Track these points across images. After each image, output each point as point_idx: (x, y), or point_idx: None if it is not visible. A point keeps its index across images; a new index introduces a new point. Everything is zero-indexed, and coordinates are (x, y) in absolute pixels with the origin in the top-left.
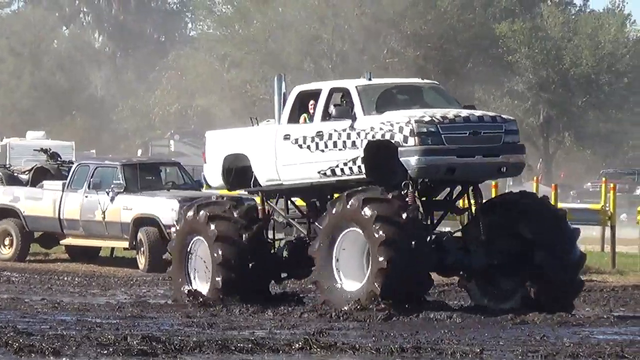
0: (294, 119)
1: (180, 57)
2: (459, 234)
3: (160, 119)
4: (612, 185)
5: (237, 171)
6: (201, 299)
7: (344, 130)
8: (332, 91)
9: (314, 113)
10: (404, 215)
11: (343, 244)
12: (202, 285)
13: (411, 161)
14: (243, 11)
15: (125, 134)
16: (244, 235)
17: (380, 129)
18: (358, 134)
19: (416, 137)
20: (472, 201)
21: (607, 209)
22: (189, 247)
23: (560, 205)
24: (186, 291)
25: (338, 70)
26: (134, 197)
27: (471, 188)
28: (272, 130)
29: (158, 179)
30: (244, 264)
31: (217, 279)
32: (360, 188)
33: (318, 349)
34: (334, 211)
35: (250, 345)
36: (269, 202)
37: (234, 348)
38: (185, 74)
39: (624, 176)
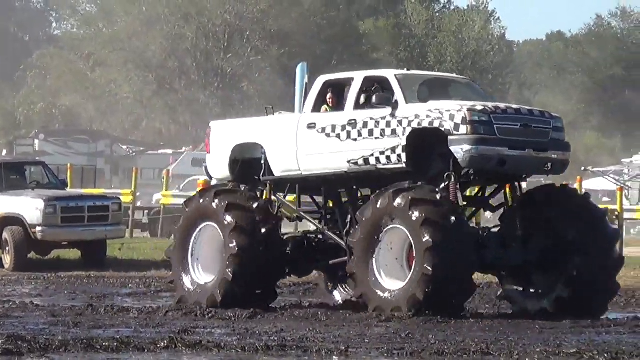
0: (318, 108)
1: (44, 57)
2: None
3: (25, 118)
4: None
5: (244, 162)
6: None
7: (383, 118)
8: (366, 80)
9: (333, 104)
10: (452, 219)
11: (384, 239)
12: (204, 276)
13: (462, 150)
14: (107, 10)
15: None
16: (262, 229)
17: (427, 116)
18: (400, 122)
19: (468, 126)
20: (509, 196)
21: None
22: (196, 232)
23: None
24: (192, 286)
25: (202, 67)
26: None
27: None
28: (293, 119)
29: (23, 178)
30: (257, 258)
31: (227, 270)
32: (407, 184)
33: (183, 348)
34: (379, 205)
35: (115, 344)
36: (277, 195)
37: (99, 347)
38: (49, 73)
39: None
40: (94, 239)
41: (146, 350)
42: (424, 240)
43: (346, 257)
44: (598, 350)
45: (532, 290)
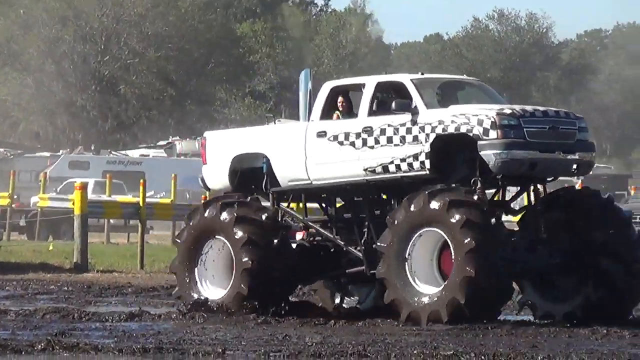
0: (326, 115)
1: None
2: None
3: None
4: None
5: (243, 172)
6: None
7: (403, 124)
8: (379, 86)
9: (344, 109)
10: (493, 220)
11: (417, 244)
12: (215, 291)
13: (493, 155)
14: None
15: None
16: (274, 241)
17: (453, 122)
18: (422, 128)
19: (498, 130)
20: (533, 198)
21: None
22: (203, 247)
23: None
24: (195, 298)
25: (80, 70)
26: None
27: (532, 187)
28: (300, 128)
29: None
30: (271, 271)
31: (242, 285)
32: (439, 186)
33: (61, 350)
34: (412, 208)
35: None
36: (281, 205)
37: None
38: None
39: None
40: None
41: (23, 353)
42: (465, 242)
43: (362, 267)
44: (475, 352)
45: (555, 295)
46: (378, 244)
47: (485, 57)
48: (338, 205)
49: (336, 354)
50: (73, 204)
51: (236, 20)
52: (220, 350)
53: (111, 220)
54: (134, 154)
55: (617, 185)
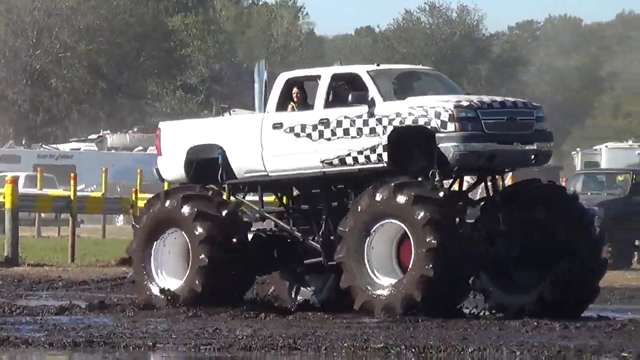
0: (282, 107)
1: None
2: None
3: None
4: None
5: (199, 163)
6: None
7: (359, 117)
8: (335, 77)
9: (298, 101)
10: (457, 220)
11: (378, 233)
12: (170, 281)
13: (451, 148)
14: None
15: None
16: (232, 239)
17: (410, 114)
18: (379, 120)
19: (456, 123)
20: (491, 190)
21: None
22: (161, 235)
23: None
24: (158, 291)
25: (11, 65)
26: None
27: (489, 177)
28: (255, 119)
29: None
30: (227, 269)
31: (196, 282)
32: (406, 179)
33: None
34: (377, 197)
35: None
36: (236, 196)
37: None
38: None
39: None
40: None
41: None
42: (427, 240)
43: (320, 258)
44: (405, 345)
45: (511, 288)
46: (339, 228)
47: (417, 50)
48: (295, 195)
49: (266, 347)
50: (4, 197)
51: (167, 13)
52: (151, 343)
53: (42, 214)
54: (65, 147)
55: (550, 177)
